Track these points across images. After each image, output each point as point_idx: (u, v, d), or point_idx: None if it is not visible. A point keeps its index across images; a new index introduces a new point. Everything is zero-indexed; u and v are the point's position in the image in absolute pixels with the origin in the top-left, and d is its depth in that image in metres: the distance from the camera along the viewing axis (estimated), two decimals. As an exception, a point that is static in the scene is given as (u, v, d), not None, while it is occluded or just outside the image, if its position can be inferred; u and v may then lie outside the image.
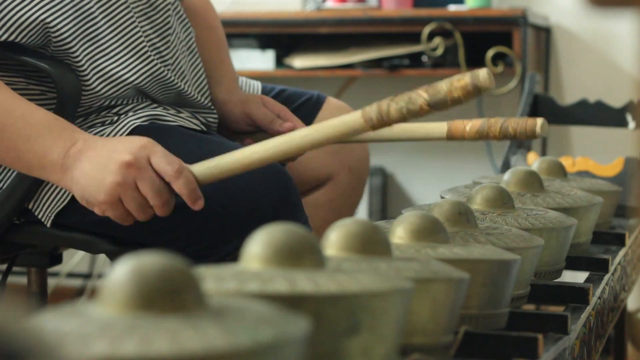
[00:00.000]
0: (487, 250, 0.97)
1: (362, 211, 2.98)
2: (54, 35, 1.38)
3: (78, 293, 3.18)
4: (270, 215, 1.31)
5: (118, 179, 1.24)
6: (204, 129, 1.53)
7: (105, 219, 1.29)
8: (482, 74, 1.08)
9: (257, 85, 1.75)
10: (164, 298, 0.60)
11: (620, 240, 1.51)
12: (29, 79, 1.42)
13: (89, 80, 1.40)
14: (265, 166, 1.36)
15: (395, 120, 1.12)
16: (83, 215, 1.35)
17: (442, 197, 1.35)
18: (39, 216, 1.40)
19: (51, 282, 3.03)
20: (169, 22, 1.51)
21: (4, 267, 1.62)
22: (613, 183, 1.66)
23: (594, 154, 2.25)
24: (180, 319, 0.59)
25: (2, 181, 1.43)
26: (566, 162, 1.90)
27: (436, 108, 1.09)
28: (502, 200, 1.20)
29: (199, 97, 1.54)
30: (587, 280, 1.28)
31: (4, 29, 1.36)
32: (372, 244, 0.83)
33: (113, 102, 1.44)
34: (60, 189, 1.38)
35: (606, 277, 1.31)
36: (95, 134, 1.41)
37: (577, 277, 1.41)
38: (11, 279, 1.65)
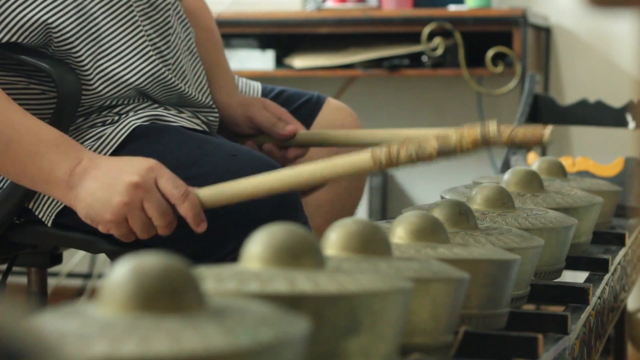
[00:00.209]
0: (487, 250, 0.97)
1: (362, 211, 2.98)
2: (56, 35, 1.38)
3: (78, 293, 3.18)
4: (270, 216, 1.31)
5: (125, 199, 1.26)
6: (205, 128, 1.53)
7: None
8: (492, 128, 1.09)
9: (257, 86, 1.75)
10: (164, 298, 0.60)
11: (620, 240, 1.51)
12: (30, 79, 1.42)
13: (91, 80, 1.40)
14: (264, 166, 1.36)
15: (403, 165, 1.14)
16: (83, 215, 1.36)
17: (442, 197, 1.35)
18: (40, 216, 1.41)
19: (51, 282, 3.03)
20: (169, 22, 1.52)
21: (4, 267, 1.62)
22: (613, 183, 1.66)
23: (594, 154, 2.25)
24: (180, 319, 0.59)
25: (2, 181, 1.43)
26: (566, 162, 1.90)
27: (445, 156, 1.11)
28: (502, 200, 1.20)
29: (200, 97, 1.54)
30: (587, 280, 1.28)
31: (5, 30, 1.36)
32: (372, 244, 0.83)
33: (114, 102, 1.44)
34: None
35: (606, 277, 1.31)
36: (96, 133, 1.41)
37: (577, 277, 1.41)
38: (11, 279, 1.65)
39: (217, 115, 1.57)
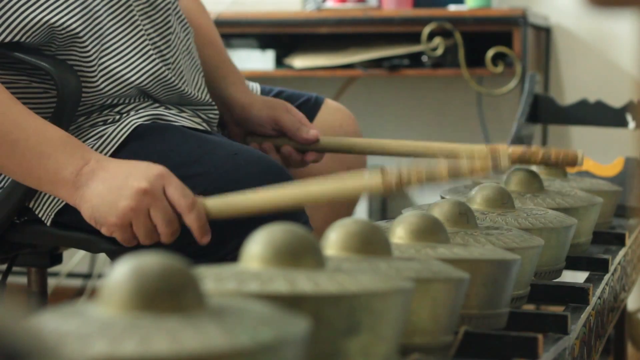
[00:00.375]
0: (487, 250, 0.97)
1: (362, 211, 2.98)
2: (60, 33, 1.38)
3: (78, 293, 3.18)
4: (271, 215, 1.31)
5: (132, 204, 1.26)
6: (206, 126, 1.53)
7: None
8: (504, 160, 1.10)
9: (256, 87, 1.75)
10: (164, 298, 0.60)
11: (620, 240, 1.51)
12: (31, 77, 1.42)
13: (94, 77, 1.40)
14: (265, 165, 1.36)
15: (411, 188, 1.15)
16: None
17: (442, 197, 1.35)
18: (39, 215, 1.41)
19: (51, 282, 3.03)
20: (169, 22, 1.52)
21: (4, 267, 1.62)
22: (613, 183, 1.66)
23: (594, 154, 2.25)
24: (180, 319, 0.59)
25: (2, 180, 1.43)
26: (566, 162, 1.90)
27: (454, 180, 1.13)
28: (502, 200, 1.20)
29: (198, 95, 1.55)
30: (587, 280, 1.28)
31: (7, 30, 1.36)
32: (372, 244, 0.83)
33: (115, 101, 1.44)
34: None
35: (606, 277, 1.31)
36: (97, 132, 1.41)
37: (577, 277, 1.41)
38: (11, 279, 1.65)
39: (217, 112, 1.58)
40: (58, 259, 1.61)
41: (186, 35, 1.57)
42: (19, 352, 0.43)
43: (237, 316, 0.61)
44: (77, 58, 1.40)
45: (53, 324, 0.59)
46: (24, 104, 1.37)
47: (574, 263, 1.32)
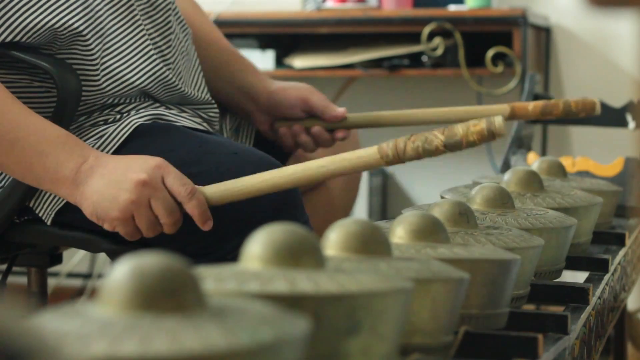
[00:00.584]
0: (487, 250, 0.97)
1: (362, 211, 2.98)
2: (62, 34, 1.38)
3: (78, 293, 3.18)
4: (271, 214, 1.32)
5: (133, 197, 1.27)
6: (207, 126, 1.54)
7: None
8: (498, 120, 1.10)
9: None
10: (164, 298, 0.60)
11: (620, 240, 1.51)
12: (32, 76, 1.42)
13: (97, 76, 1.41)
14: (266, 165, 1.36)
15: (410, 159, 1.14)
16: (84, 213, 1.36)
17: (442, 197, 1.35)
18: (40, 214, 1.41)
19: (51, 282, 3.03)
20: (169, 22, 1.52)
21: (4, 267, 1.62)
22: (613, 183, 1.66)
23: (594, 154, 2.25)
24: (180, 319, 0.59)
25: (3, 180, 1.43)
26: (566, 162, 1.90)
27: (451, 149, 1.12)
28: (502, 200, 1.20)
29: (198, 94, 1.55)
30: (587, 280, 1.28)
31: (8, 30, 1.36)
32: (372, 244, 0.83)
33: (116, 101, 1.44)
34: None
35: (606, 277, 1.31)
36: (98, 132, 1.42)
37: (577, 277, 1.41)
38: (11, 279, 1.65)
39: (216, 111, 1.58)
40: (58, 259, 1.62)
41: (185, 35, 1.57)
42: (19, 352, 0.43)
43: (237, 316, 0.61)
44: (79, 57, 1.40)
45: (53, 324, 0.59)
46: (25, 103, 1.37)
47: (574, 263, 1.32)
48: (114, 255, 1.39)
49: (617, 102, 2.20)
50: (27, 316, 0.47)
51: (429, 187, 3.11)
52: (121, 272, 0.61)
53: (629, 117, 2.16)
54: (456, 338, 0.90)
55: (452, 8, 2.79)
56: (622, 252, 1.48)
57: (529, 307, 1.70)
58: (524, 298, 1.08)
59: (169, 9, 1.52)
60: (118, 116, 1.44)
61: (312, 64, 2.79)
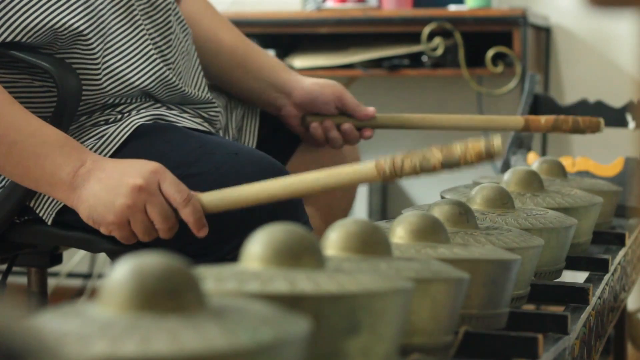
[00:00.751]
0: (487, 250, 0.97)
1: (362, 211, 2.98)
2: (64, 34, 1.38)
3: (78, 293, 3.18)
4: (271, 215, 1.32)
5: (128, 201, 1.27)
6: (207, 126, 1.54)
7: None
8: (496, 141, 1.10)
9: None
10: (164, 298, 0.60)
11: (620, 240, 1.51)
12: (33, 76, 1.42)
13: (98, 75, 1.41)
14: (266, 165, 1.36)
15: (407, 175, 1.15)
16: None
17: (442, 197, 1.35)
18: (40, 214, 1.41)
19: (51, 282, 3.03)
20: (169, 22, 1.52)
21: (4, 267, 1.62)
22: (613, 183, 1.66)
23: (594, 154, 2.25)
24: (180, 319, 0.59)
25: (3, 180, 1.43)
26: (566, 162, 1.90)
27: (449, 168, 1.12)
28: (502, 200, 1.20)
29: (198, 94, 1.55)
30: (587, 280, 1.28)
31: (8, 30, 1.36)
32: (372, 244, 0.83)
33: (117, 101, 1.44)
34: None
35: (606, 277, 1.31)
36: (99, 132, 1.42)
37: (577, 277, 1.41)
38: (11, 279, 1.65)
39: (217, 110, 1.58)
40: (58, 259, 1.62)
41: (185, 36, 1.57)
42: (19, 352, 0.43)
43: (237, 316, 0.61)
44: (81, 56, 1.40)
45: (53, 324, 0.59)
46: (26, 103, 1.37)
47: (574, 263, 1.32)
48: (114, 255, 1.40)
49: (617, 102, 2.20)
50: (27, 316, 0.47)
51: (429, 187, 3.11)
52: (121, 272, 0.61)
53: (629, 117, 2.16)
54: (456, 338, 0.90)
55: (452, 8, 2.79)
56: (622, 252, 1.48)
57: (529, 307, 1.70)
58: (524, 298, 1.08)
59: (169, 9, 1.53)
60: (119, 116, 1.44)
61: (312, 64, 2.79)
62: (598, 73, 2.98)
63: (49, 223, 1.40)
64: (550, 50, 3.01)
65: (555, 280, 1.22)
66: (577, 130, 1.66)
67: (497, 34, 2.71)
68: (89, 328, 0.58)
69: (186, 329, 0.57)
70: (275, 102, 1.68)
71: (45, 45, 1.40)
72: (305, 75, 1.73)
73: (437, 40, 2.68)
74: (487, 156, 1.10)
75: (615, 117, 2.19)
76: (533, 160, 1.82)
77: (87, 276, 3.20)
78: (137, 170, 1.28)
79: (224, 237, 1.32)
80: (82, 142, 1.40)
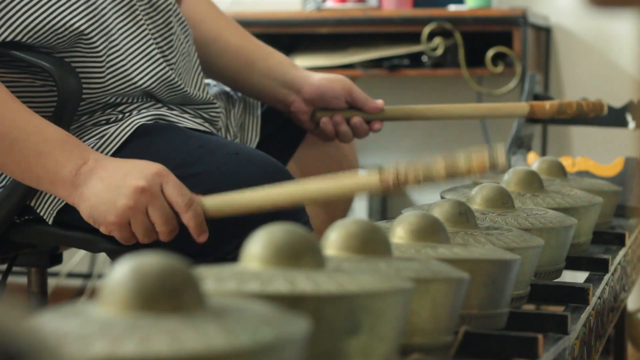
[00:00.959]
0: (487, 250, 0.97)
1: (362, 211, 2.98)
2: (65, 34, 1.38)
3: (78, 293, 3.18)
4: (271, 215, 1.31)
5: (130, 203, 1.27)
6: (208, 126, 1.54)
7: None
8: (500, 153, 1.10)
9: None
10: (164, 298, 0.60)
11: (620, 240, 1.51)
12: (34, 75, 1.42)
13: (102, 74, 1.41)
14: (267, 165, 1.36)
15: (410, 185, 1.15)
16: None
17: (442, 197, 1.35)
18: (41, 213, 1.41)
19: (51, 282, 3.03)
20: (170, 23, 1.52)
21: (4, 267, 1.62)
22: (613, 183, 1.66)
23: (594, 154, 2.25)
24: (180, 319, 0.59)
25: (4, 179, 1.43)
26: (566, 162, 1.90)
27: (452, 178, 1.13)
28: (502, 200, 1.20)
29: (199, 94, 1.55)
30: (587, 280, 1.28)
31: (9, 29, 1.36)
32: (372, 244, 0.83)
33: (119, 100, 1.44)
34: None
35: (606, 277, 1.31)
36: (100, 131, 1.42)
37: (577, 277, 1.41)
38: (11, 279, 1.65)
39: (218, 110, 1.59)
40: (58, 259, 1.62)
41: (186, 37, 1.57)
42: (19, 352, 0.43)
43: (237, 316, 0.61)
44: (84, 54, 1.40)
45: (53, 324, 0.59)
46: (27, 102, 1.37)
47: (574, 263, 1.32)
48: (114, 255, 1.39)
49: (617, 102, 2.20)
50: (27, 316, 0.47)
51: (429, 187, 3.11)
52: (121, 272, 0.61)
53: (629, 117, 2.16)
54: (456, 338, 0.90)
55: (452, 8, 2.79)
56: (622, 252, 1.48)
57: (529, 307, 1.70)
58: (524, 298, 1.08)
59: (170, 10, 1.53)
60: (120, 116, 1.44)
61: (312, 64, 2.79)
62: (598, 73, 2.98)
63: (50, 222, 1.40)
64: (550, 50, 3.01)
65: (555, 280, 1.22)
66: (581, 113, 1.65)
67: (497, 34, 2.71)
68: (89, 328, 0.58)
69: (186, 329, 0.57)
70: (284, 99, 1.68)
71: (47, 46, 1.40)
72: (316, 72, 1.73)
73: (437, 40, 2.68)
74: (491, 167, 1.10)
75: (615, 117, 2.19)
76: (533, 160, 1.82)
77: (87, 276, 3.20)
78: (140, 172, 1.28)
79: (224, 237, 1.32)
80: (82, 142, 1.40)
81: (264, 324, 0.60)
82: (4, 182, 1.43)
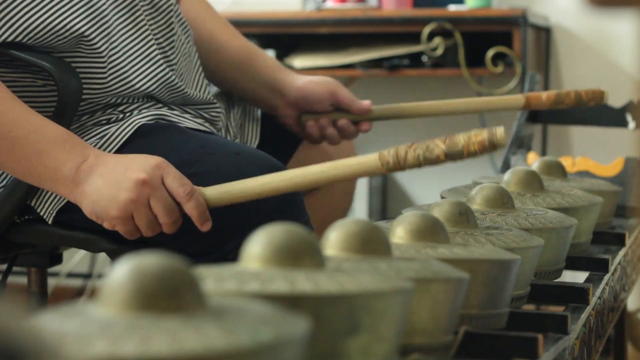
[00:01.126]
0: (487, 250, 0.97)
1: (362, 211, 2.98)
2: (65, 36, 1.38)
3: (78, 293, 3.18)
4: (272, 214, 1.32)
5: (132, 196, 1.27)
6: (209, 126, 1.54)
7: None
8: (500, 132, 1.10)
9: None
10: (164, 298, 0.60)
11: (620, 240, 1.51)
12: (35, 75, 1.42)
13: (104, 74, 1.41)
14: (267, 164, 1.36)
15: (410, 167, 1.15)
16: (85, 213, 1.36)
17: (442, 197, 1.35)
18: (41, 213, 1.41)
19: (51, 282, 3.03)
20: (172, 24, 1.52)
21: (4, 267, 1.62)
22: (613, 183, 1.66)
23: (594, 154, 2.25)
24: (180, 319, 0.59)
25: (5, 179, 1.43)
26: (566, 162, 1.90)
27: (452, 159, 1.12)
28: (502, 200, 1.20)
29: (200, 94, 1.56)
30: (587, 280, 1.28)
31: (10, 30, 1.36)
32: (372, 244, 0.83)
33: (120, 100, 1.45)
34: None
35: (606, 277, 1.31)
36: (101, 131, 1.42)
37: (577, 277, 1.41)
38: (11, 279, 1.65)
39: (218, 110, 1.59)
40: (58, 259, 1.62)
41: (187, 37, 1.58)
42: (19, 352, 0.43)
43: (237, 316, 0.61)
44: (85, 55, 1.40)
45: (53, 324, 0.59)
46: (27, 102, 1.37)
47: (574, 263, 1.32)
48: (114, 255, 1.40)
49: (617, 102, 2.20)
50: (27, 316, 0.47)
51: (429, 187, 3.11)
52: (121, 272, 0.61)
53: (629, 117, 2.16)
54: (456, 338, 0.90)
55: (452, 8, 2.79)
56: (622, 252, 1.48)
57: (529, 307, 1.70)
58: (524, 298, 1.08)
59: (171, 10, 1.53)
60: (120, 116, 1.44)
61: (312, 64, 2.79)
62: (598, 73, 2.98)
63: (50, 222, 1.40)
64: (550, 50, 3.01)
65: (555, 280, 1.22)
66: (580, 103, 1.60)
67: (497, 34, 2.71)
68: (89, 328, 0.58)
69: (186, 329, 0.57)
70: (269, 102, 1.68)
71: (47, 46, 1.40)
72: (303, 75, 1.73)
73: (437, 40, 2.68)
74: (491, 146, 1.10)
75: (615, 117, 2.19)
76: (533, 160, 1.82)
77: (87, 276, 3.20)
78: (140, 165, 1.28)
79: (224, 237, 1.32)
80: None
81: (264, 324, 0.60)
82: (4, 182, 1.43)
